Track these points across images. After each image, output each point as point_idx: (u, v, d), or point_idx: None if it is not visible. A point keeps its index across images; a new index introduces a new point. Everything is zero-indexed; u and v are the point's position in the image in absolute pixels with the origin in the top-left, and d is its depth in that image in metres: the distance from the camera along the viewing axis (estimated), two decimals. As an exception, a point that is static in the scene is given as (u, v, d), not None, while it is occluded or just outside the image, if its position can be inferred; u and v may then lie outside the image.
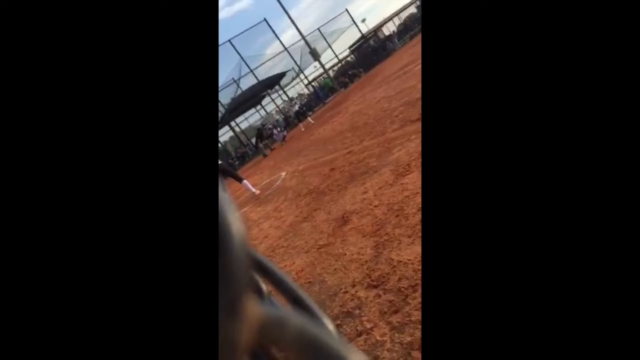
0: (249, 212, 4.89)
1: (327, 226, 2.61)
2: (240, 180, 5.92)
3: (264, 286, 0.23)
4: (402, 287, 1.46)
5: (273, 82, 20.24)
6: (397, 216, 2.06)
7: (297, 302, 0.20)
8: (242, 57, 18.55)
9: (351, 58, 24.40)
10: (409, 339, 1.22)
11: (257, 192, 5.93)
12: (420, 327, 1.24)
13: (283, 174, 6.15)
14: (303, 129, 12.49)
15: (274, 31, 19.39)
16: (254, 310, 0.10)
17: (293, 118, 14.59)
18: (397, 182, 2.52)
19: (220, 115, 18.48)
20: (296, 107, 14.46)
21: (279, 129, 15.00)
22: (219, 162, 6.16)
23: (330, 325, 0.20)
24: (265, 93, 20.42)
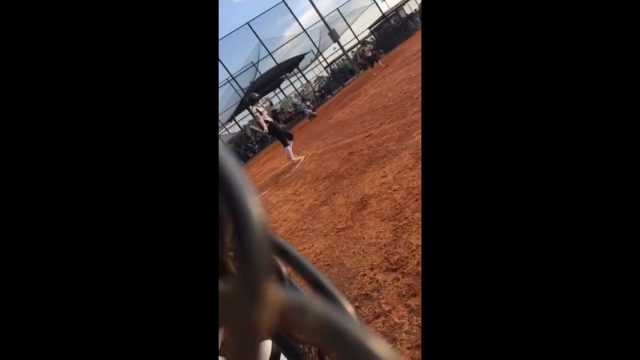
0: (268, 195, 4.95)
1: (346, 210, 2.62)
2: (291, 138, 6.01)
3: (284, 269, 0.24)
4: (421, 271, 1.46)
5: (291, 65, 20.05)
6: (416, 200, 2.04)
7: (315, 284, 0.20)
8: (260, 40, 18.40)
9: (371, 38, 23.80)
10: (427, 322, 1.23)
11: (298, 159, 5.96)
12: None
13: (302, 157, 6.16)
14: (375, 74, 11.88)
15: (292, 12, 19.09)
16: (275, 295, 0.10)
17: (365, 63, 13.66)
18: (416, 166, 2.48)
19: (239, 99, 18.54)
20: (369, 53, 13.21)
21: (307, 103, 14.68)
22: (270, 122, 6.23)
23: (349, 308, 0.20)
24: (284, 76, 20.30)
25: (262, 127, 6.24)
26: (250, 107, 6.37)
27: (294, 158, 6.02)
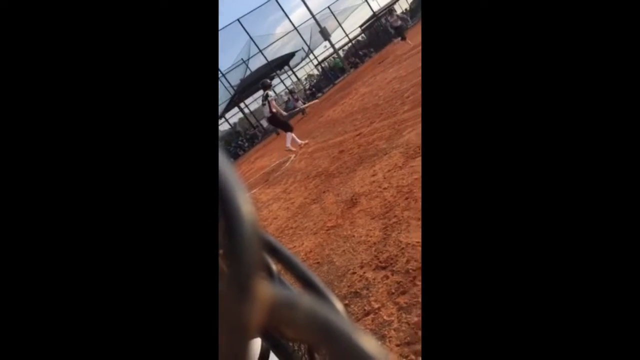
0: (258, 193, 4.93)
1: (336, 208, 2.62)
2: (290, 129, 6.17)
3: (274, 266, 0.23)
4: (410, 268, 1.48)
5: (282, 63, 19.96)
6: (406, 199, 2.05)
7: (305, 282, 0.20)
8: (251, 37, 18.27)
9: (362, 37, 23.84)
10: (416, 319, 1.24)
11: (304, 142, 6.03)
12: (427, 308, 1.25)
13: (292, 155, 6.15)
14: (411, 43, 10.94)
15: (283, 9, 18.99)
16: (264, 291, 0.10)
17: (394, 34, 12.76)
18: (406, 164, 2.50)
19: (229, 96, 18.39)
20: (398, 22, 11.87)
21: (295, 96, 14.39)
22: (273, 112, 6.28)
23: (339, 305, 0.20)
24: (274, 74, 20.19)
25: (271, 111, 6.35)
26: (263, 92, 6.50)
27: (292, 146, 6.10)
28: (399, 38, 11.64)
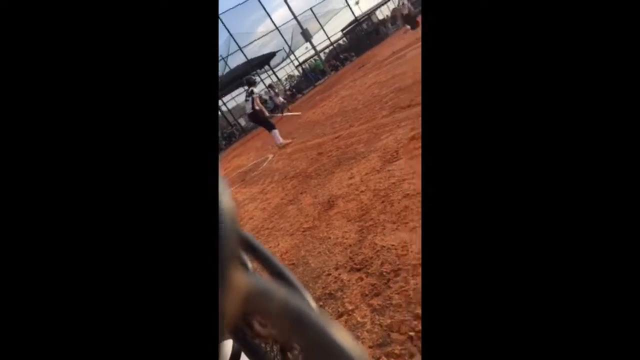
0: (234, 192, 4.86)
1: (313, 209, 2.63)
2: (273, 127, 6.11)
3: (250, 263, 0.23)
4: (385, 271, 1.49)
5: (262, 62, 19.80)
6: (382, 202, 2.08)
7: (281, 278, 0.20)
8: (230, 34, 18.02)
9: (343, 41, 24.03)
10: (388, 321, 1.26)
11: (288, 142, 5.97)
12: (399, 310, 1.28)
13: (270, 156, 6.11)
14: (408, 28, 10.54)
15: (264, 8, 18.86)
16: (240, 281, 0.10)
17: (399, 22, 11.82)
18: (384, 168, 2.54)
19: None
20: (406, 10, 10.92)
21: (275, 90, 14.06)
22: (256, 110, 6.20)
23: (313, 302, 0.20)
24: (254, 72, 19.99)
25: (254, 107, 6.26)
26: (247, 88, 6.39)
27: (283, 141, 6.05)
28: (408, 27, 11.04)
